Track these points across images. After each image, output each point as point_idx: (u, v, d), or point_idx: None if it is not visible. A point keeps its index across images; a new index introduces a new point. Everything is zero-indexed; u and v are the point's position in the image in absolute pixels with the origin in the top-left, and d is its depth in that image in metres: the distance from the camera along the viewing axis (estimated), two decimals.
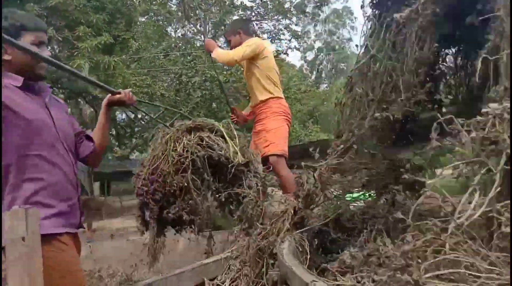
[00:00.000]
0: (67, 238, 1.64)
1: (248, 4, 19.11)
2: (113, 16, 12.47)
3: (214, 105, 17.86)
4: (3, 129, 1.52)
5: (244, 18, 4.62)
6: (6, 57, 1.63)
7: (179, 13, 19.84)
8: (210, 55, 3.30)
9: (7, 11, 1.68)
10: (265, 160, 3.10)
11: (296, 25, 20.93)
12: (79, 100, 23.30)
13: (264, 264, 1.63)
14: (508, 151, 1.03)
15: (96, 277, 2.88)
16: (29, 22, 1.70)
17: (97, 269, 3.16)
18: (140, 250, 3.58)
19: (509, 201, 1.03)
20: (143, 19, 18.17)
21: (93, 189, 26.67)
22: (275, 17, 19.55)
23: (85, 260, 3.54)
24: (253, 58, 3.11)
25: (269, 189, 3.44)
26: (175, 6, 19.26)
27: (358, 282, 1.15)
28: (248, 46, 3.08)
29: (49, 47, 13.09)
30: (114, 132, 27.45)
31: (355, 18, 44.68)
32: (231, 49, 3.28)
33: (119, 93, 1.96)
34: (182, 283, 1.76)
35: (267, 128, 3.14)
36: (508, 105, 1.08)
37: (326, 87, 40.70)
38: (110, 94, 1.97)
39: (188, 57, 16.70)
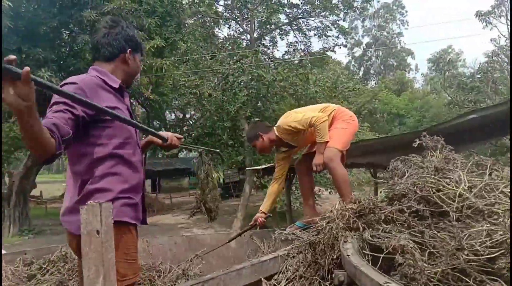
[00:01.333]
0: (135, 229, 1.77)
1: (294, 1, 18.99)
2: (163, 19, 12.89)
3: (259, 104, 17.96)
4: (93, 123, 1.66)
5: (254, 123, 4.44)
6: (129, 61, 1.87)
7: (226, 14, 20.15)
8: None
9: (128, 25, 1.92)
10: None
11: (343, 20, 20.59)
12: (132, 100, 24.38)
13: (326, 262, 1.61)
14: None
15: (154, 271, 2.98)
16: (143, 46, 2.00)
17: (154, 263, 3.27)
18: (194, 245, 3.66)
19: None
20: (191, 21, 18.63)
21: (145, 186, 27.87)
22: (322, 13, 19.28)
23: (142, 253, 3.68)
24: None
25: (316, 189, 3.41)
26: (222, 7, 19.57)
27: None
28: (299, 117, 3.03)
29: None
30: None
31: (406, 12, 42.99)
32: (259, 152, 3.34)
33: (166, 140, 2.07)
34: (241, 279, 1.78)
35: (333, 127, 3.09)
36: None
37: (375, 83, 39.57)
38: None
39: (235, 57, 16.92)
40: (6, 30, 10.17)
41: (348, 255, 1.23)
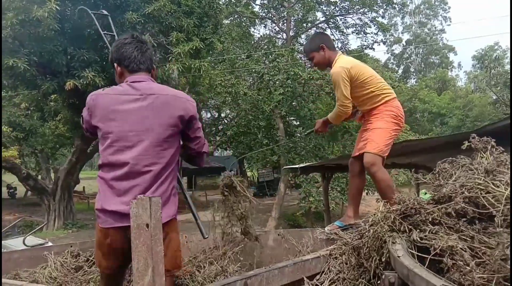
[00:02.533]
0: None
1: None
2: (201, 19, 13.09)
3: (295, 103, 17.89)
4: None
5: (319, 33, 4.23)
6: (153, 74, 2.14)
7: (262, 13, 20.19)
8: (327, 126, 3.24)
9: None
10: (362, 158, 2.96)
11: (382, 17, 20.04)
12: None
13: (372, 263, 1.58)
14: None
15: (194, 266, 3.03)
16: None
17: (194, 258, 3.31)
18: (232, 243, 3.69)
19: None
20: (228, 21, 18.81)
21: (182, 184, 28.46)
22: (361, 10, 18.90)
23: (182, 248, 3.76)
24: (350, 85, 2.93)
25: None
26: (258, 6, 19.62)
27: None
28: (338, 85, 2.90)
29: None
30: None
31: (449, 7, 41.35)
32: (315, 65, 3.16)
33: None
34: (283, 277, 1.78)
35: (372, 126, 2.95)
36: None
37: (415, 82, 38.34)
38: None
39: (270, 56, 16.94)
40: (53, 33, 10.69)
41: (399, 256, 1.19)
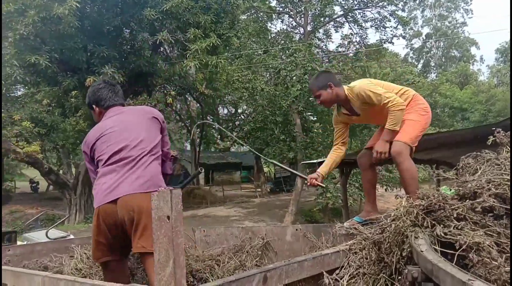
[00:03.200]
0: None
1: None
2: (218, 15, 13.11)
3: (312, 98, 17.75)
4: None
5: (324, 71, 4.17)
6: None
7: (279, 8, 20.07)
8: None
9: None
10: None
11: (402, 11, 19.66)
12: (187, 96, 25.15)
13: (394, 258, 1.56)
14: None
15: (214, 260, 3.05)
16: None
17: (212, 253, 3.33)
18: (250, 237, 3.70)
19: None
20: (244, 17, 18.76)
21: (199, 179, 28.77)
22: (380, 3, 18.58)
23: (200, 243, 3.78)
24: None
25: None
26: (275, 1, 19.50)
27: None
28: (374, 90, 2.81)
29: (162, 48, 14.35)
30: (217, 127, 29.18)
31: (471, 0, 40.29)
32: (322, 103, 3.02)
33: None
34: (303, 271, 1.77)
35: (404, 118, 2.89)
36: None
37: (435, 76, 37.56)
38: None
39: (287, 52, 16.84)
40: (73, 30, 10.88)
41: (422, 251, 1.17)
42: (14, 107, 16.32)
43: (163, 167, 2.44)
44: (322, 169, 3.13)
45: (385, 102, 2.77)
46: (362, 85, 2.87)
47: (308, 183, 3.17)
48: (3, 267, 2.58)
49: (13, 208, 18.90)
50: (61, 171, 22.09)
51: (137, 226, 2.06)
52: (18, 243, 6.01)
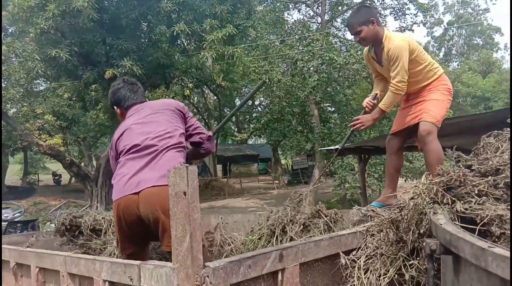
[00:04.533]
0: None
1: None
2: (235, 6, 13.05)
3: (330, 89, 17.57)
4: None
5: (367, 6, 4.01)
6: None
7: None
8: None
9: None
10: (413, 131, 2.86)
11: None
12: (204, 89, 25.25)
13: (411, 236, 1.53)
14: None
15: (227, 244, 3.08)
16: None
17: (227, 237, 3.36)
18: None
19: None
20: (261, 7, 18.63)
21: (217, 171, 28.98)
22: None
23: (217, 229, 3.82)
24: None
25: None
26: None
27: None
28: (400, 59, 2.74)
29: (179, 41, 14.41)
30: (234, 119, 29.21)
31: None
32: (360, 40, 2.89)
33: None
34: (319, 250, 1.76)
35: (428, 98, 2.81)
36: None
37: (457, 65, 36.62)
38: None
39: (304, 42, 16.66)
40: (92, 23, 11.03)
41: (441, 224, 1.15)
42: (36, 101, 16.71)
43: (203, 148, 2.54)
44: (375, 91, 3.08)
45: (392, 75, 2.75)
46: (400, 46, 2.74)
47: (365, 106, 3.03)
48: (27, 249, 2.67)
49: (37, 200, 19.48)
50: (82, 164, 22.56)
51: (164, 228, 1.97)
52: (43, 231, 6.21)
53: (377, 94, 3.05)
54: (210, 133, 2.59)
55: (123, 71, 11.06)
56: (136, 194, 2.06)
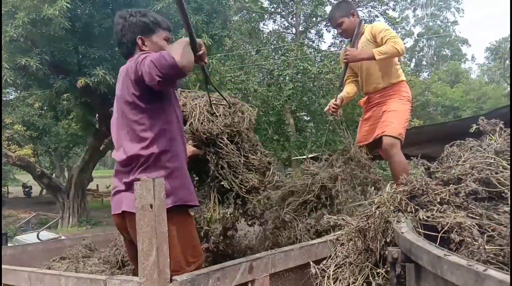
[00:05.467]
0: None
1: None
2: (210, 16, 13.08)
3: (305, 98, 17.80)
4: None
5: (345, 0, 4.17)
6: (144, 48, 1.87)
7: (271, 9, 20.10)
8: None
9: (144, 10, 1.93)
10: (378, 142, 2.93)
11: (393, 10, 19.80)
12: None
13: (378, 244, 1.56)
14: None
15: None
16: (163, 21, 1.94)
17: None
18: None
19: None
20: (237, 17, 18.77)
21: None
22: (370, 3, 18.69)
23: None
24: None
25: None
26: (267, 1, 19.54)
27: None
28: (387, 32, 2.80)
29: None
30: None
31: None
32: (342, 32, 3.01)
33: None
34: (289, 260, 1.77)
35: (389, 109, 2.89)
36: None
37: (427, 75, 37.82)
38: None
39: (280, 51, 16.88)
40: (64, 32, 10.82)
41: (402, 232, 1.18)
42: (5, 111, 16.19)
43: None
44: (341, 94, 3.14)
45: (388, 37, 2.78)
46: (383, 24, 2.91)
47: (328, 109, 3.13)
48: None
49: (6, 212, 18.72)
50: (54, 175, 21.93)
51: None
52: (9, 245, 5.96)
53: (342, 97, 3.13)
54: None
55: (96, 80, 10.86)
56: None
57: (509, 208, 1.37)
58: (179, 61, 1.54)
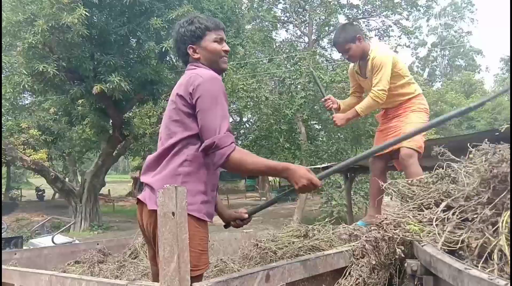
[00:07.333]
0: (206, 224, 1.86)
1: (355, 2, 18.62)
2: (224, 24, 13.23)
3: (316, 107, 17.82)
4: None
5: (350, 24, 4.16)
6: (195, 55, 1.90)
7: (284, 17, 20.24)
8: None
9: (191, 18, 1.96)
10: (394, 153, 2.92)
11: (407, 20, 19.79)
12: None
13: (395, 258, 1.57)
14: None
15: (215, 265, 3.06)
16: (211, 23, 1.93)
17: (215, 257, 3.35)
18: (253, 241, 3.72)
19: None
20: (250, 26, 18.95)
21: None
22: (384, 13, 18.70)
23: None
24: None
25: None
26: (280, 10, 19.69)
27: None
28: (384, 69, 2.83)
29: (168, 57, 14.52)
30: None
31: (476, 9, 40.34)
32: (349, 57, 3.00)
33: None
34: (305, 270, 1.79)
35: (407, 121, 2.91)
36: None
37: (441, 85, 37.53)
38: None
39: (292, 60, 16.96)
40: (81, 39, 11.05)
41: (422, 246, 1.19)
42: (21, 115, 16.50)
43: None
44: (342, 101, 3.16)
45: (374, 83, 2.84)
46: (384, 57, 2.83)
47: (323, 99, 3.14)
48: (11, 268, 2.62)
49: (19, 216, 19.00)
50: (67, 179, 22.22)
51: None
52: (24, 248, 6.07)
53: (341, 103, 3.15)
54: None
55: (111, 86, 11.05)
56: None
57: (509, 207, 1.37)
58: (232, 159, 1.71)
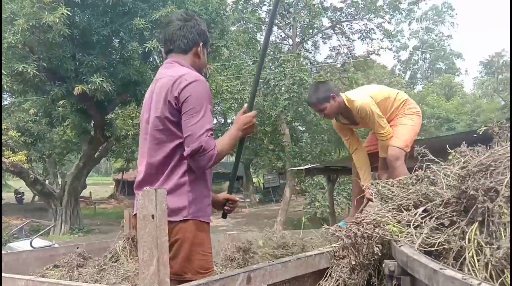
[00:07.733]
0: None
1: (338, 5, 18.82)
2: (208, 26, 13.14)
3: (301, 108, 17.92)
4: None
5: (322, 83, 4.16)
6: (201, 55, 1.93)
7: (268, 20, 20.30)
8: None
9: (200, 20, 1.97)
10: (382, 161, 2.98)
11: (389, 23, 20.09)
12: None
13: (373, 259, 1.59)
14: None
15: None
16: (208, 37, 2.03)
17: None
18: (236, 243, 3.72)
19: None
20: (234, 28, 18.93)
21: None
22: (366, 16, 18.96)
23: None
24: None
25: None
26: (264, 12, 19.75)
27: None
28: (374, 114, 2.85)
29: (151, 58, 14.38)
30: None
31: (456, 14, 41.28)
32: (326, 116, 3.05)
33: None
34: (286, 271, 1.79)
35: (397, 123, 2.96)
36: None
37: (422, 88, 38.24)
38: None
39: (276, 62, 17.01)
40: (62, 39, 10.85)
41: (400, 246, 1.21)
42: None
43: None
44: (365, 179, 3.05)
45: (375, 129, 2.93)
46: (364, 104, 2.86)
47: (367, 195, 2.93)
48: None
49: None
50: (47, 181, 21.75)
51: None
52: (2, 252, 5.91)
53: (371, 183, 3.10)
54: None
55: (93, 87, 10.87)
56: None
57: (509, 208, 1.39)
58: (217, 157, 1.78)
